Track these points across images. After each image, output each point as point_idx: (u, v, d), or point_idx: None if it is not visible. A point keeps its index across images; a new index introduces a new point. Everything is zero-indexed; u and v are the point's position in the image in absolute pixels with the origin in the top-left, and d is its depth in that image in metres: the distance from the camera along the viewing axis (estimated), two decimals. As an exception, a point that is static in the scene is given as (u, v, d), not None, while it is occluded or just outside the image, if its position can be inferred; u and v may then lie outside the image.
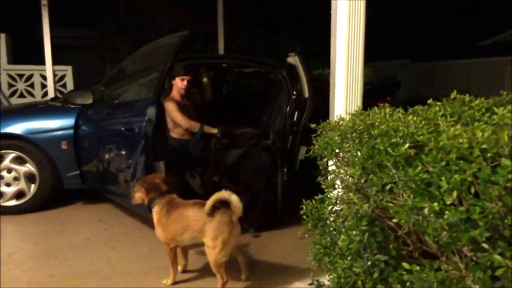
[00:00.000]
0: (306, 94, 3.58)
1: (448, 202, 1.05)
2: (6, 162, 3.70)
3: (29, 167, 3.73)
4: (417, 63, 13.07)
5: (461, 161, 1.05)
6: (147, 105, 3.03)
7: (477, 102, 1.60)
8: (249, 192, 3.23)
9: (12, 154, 3.70)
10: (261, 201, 3.31)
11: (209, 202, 2.24)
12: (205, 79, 4.71)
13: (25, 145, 3.70)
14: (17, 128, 3.72)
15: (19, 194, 3.74)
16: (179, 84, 3.58)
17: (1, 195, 3.71)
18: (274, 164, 3.36)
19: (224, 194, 2.24)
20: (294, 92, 3.59)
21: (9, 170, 3.71)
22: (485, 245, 1.00)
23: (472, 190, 1.03)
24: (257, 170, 3.33)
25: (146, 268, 2.69)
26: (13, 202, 3.73)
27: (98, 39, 10.10)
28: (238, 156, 3.31)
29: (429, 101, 1.74)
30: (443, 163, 1.08)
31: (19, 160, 3.73)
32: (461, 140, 1.07)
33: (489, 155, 1.02)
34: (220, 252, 2.24)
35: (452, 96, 1.69)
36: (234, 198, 2.24)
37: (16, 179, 3.73)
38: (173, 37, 3.29)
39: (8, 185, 3.72)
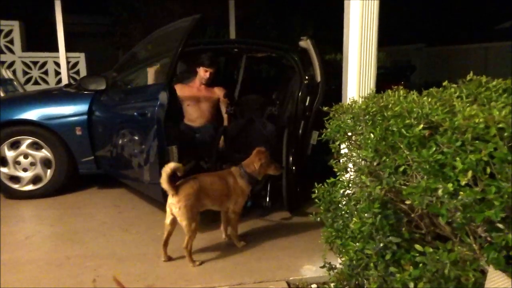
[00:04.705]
0: (318, 79, 3.54)
1: (463, 183, 1.04)
2: (23, 147, 3.76)
3: (45, 153, 3.79)
4: (433, 47, 12.75)
5: (476, 141, 1.03)
6: (159, 90, 3.04)
7: (494, 83, 1.55)
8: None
9: (28, 140, 3.76)
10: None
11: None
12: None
13: (41, 131, 3.76)
14: (33, 114, 3.77)
15: (35, 179, 3.82)
16: (202, 74, 3.78)
17: (18, 180, 3.80)
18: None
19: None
20: (306, 77, 3.55)
21: (26, 156, 3.78)
22: (500, 225, 0.98)
23: (488, 170, 1.01)
24: (261, 139, 3.34)
25: (160, 251, 2.73)
26: (30, 187, 3.81)
27: (110, 26, 10.11)
28: (242, 125, 3.33)
29: (444, 83, 1.70)
30: (458, 143, 1.07)
31: (35, 146, 3.79)
32: (477, 120, 1.05)
33: (506, 134, 0.99)
34: None
35: (468, 78, 1.65)
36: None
37: (32, 164, 3.80)
38: (185, 21, 3.27)
39: (25, 170, 3.79)
